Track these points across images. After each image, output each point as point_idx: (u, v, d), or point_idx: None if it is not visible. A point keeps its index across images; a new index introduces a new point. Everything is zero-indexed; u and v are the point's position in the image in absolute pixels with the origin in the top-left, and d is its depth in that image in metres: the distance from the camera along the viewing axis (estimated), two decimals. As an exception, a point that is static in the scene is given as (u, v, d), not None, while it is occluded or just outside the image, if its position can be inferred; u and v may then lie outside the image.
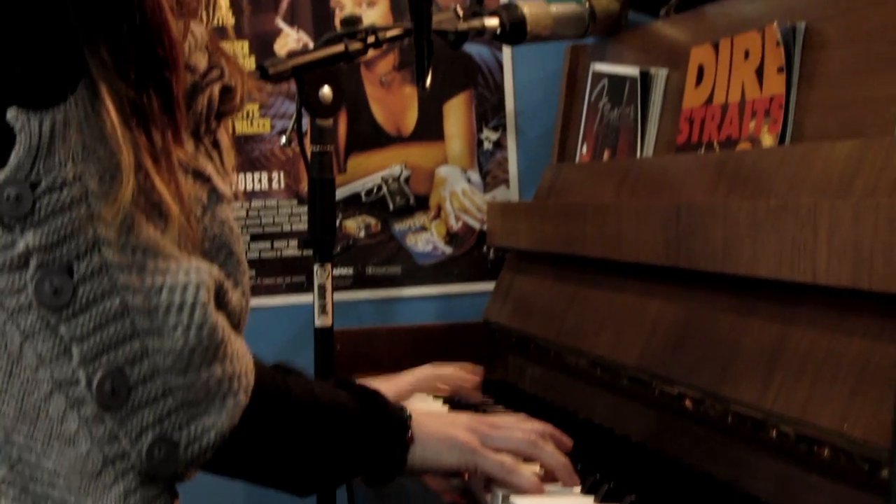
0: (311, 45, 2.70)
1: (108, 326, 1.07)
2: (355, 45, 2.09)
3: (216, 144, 1.26)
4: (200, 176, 1.20)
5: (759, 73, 1.77)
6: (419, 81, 1.28)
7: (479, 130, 2.81)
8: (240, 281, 1.23)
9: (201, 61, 1.21)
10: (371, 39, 2.11)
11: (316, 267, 2.17)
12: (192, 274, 1.09)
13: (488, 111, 2.82)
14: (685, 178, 1.86)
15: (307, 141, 2.15)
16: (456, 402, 2.13)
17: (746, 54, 1.82)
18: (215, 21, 1.31)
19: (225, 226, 1.22)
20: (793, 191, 1.51)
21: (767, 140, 1.72)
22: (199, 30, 1.22)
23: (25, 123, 1.02)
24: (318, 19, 2.73)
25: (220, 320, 1.14)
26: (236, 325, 1.21)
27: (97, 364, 1.07)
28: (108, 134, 1.04)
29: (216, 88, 1.23)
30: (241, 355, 1.18)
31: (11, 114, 1.02)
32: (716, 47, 1.92)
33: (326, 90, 2.08)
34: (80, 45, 1.02)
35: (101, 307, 1.06)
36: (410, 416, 1.40)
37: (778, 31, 1.72)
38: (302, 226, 2.71)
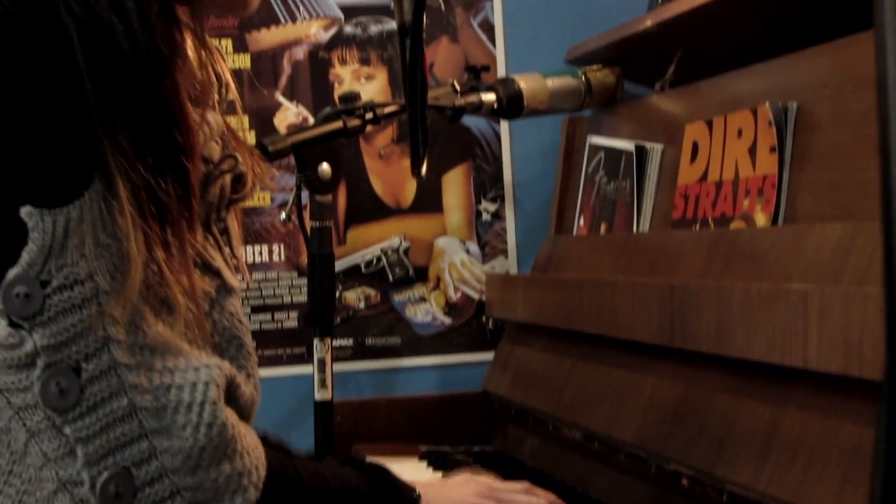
0: (310, 118, 2.73)
1: (115, 427, 1.05)
2: (353, 122, 2.12)
3: (225, 231, 1.26)
4: (209, 269, 1.19)
5: (752, 151, 1.80)
6: (414, 169, 1.30)
7: (478, 202, 2.83)
8: (251, 373, 1.22)
9: (215, 150, 1.20)
10: (369, 116, 2.14)
11: (316, 341, 2.19)
12: (201, 372, 1.08)
13: (486, 182, 2.84)
14: (681, 255, 1.88)
15: (307, 216, 2.17)
16: (435, 459, 2.14)
17: (739, 133, 1.84)
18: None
19: (234, 318, 1.22)
20: (785, 272, 1.53)
21: (761, 219, 1.74)
22: (214, 118, 1.22)
23: (39, 221, 1.00)
24: (318, 93, 2.76)
25: (230, 416, 1.12)
26: (247, 417, 1.20)
27: (102, 465, 1.05)
28: (121, 227, 1.01)
29: (228, 178, 1.23)
30: (252, 449, 1.16)
31: (25, 211, 1.00)
32: (709, 125, 1.95)
33: (325, 167, 2.10)
34: (98, 136, 1.01)
35: (108, 408, 1.04)
36: (420, 495, 1.40)
37: (770, 112, 1.74)
38: (302, 297, 2.73)
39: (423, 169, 1.30)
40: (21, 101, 0.99)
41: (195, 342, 1.11)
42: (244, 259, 2.68)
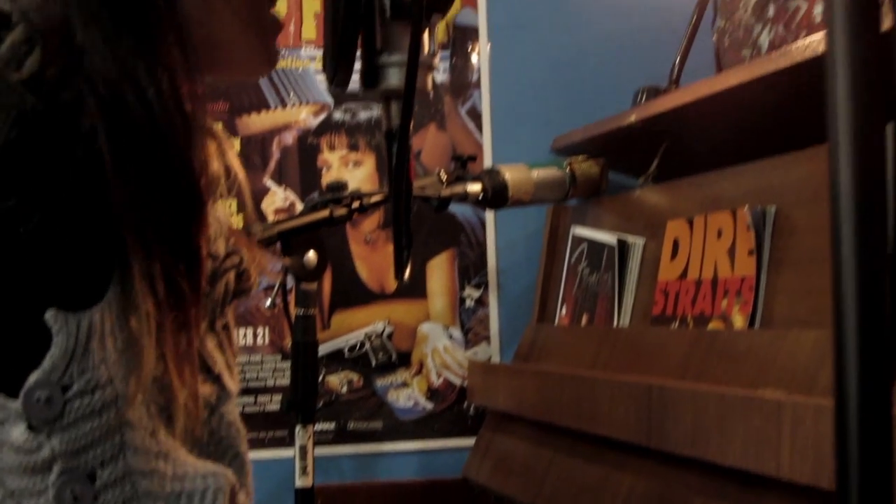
0: (298, 203, 2.76)
1: None
2: (340, 211, 2.14)
3: (226, 328, 1.26)
4: (210, 373, 1.19)
5: (732, 252, 1.82)
6: (397, 273, 1.31)
7: (462, 288, 2.85)
8: (244, 482, 1.22)
9: (221, 247, 1.21)
10: (356, 205, 2.16)
11: (298, 428, 2.19)
12: (209, 479, 1.07)
13: (471, 269, 2.86)
14: (660, 352, 1.90)
15: (292, 302, 2.19)
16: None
17: (719, 233, 1.87)
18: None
19: (232, 427, 1.21)
20: (761, 376, 1.55)
21: (738, 320, 1.76)
22: (223, 214, 1.22)
23: (64, 325, 0.97)
24: (306, 178, 2.79)
25: None
26: None
27: None
28: (138, 329, 0.99)
29: (232, 275, 1.23)
30: None
31: (50, 315, 0.97)
32: (690, 223, 1.98)
33: (311, 255, 2.12)
34: (120, 235, 0.98)
35: None
36: None
37: (749, 215, 1.77)
38: (285, 380, 2.74)
39: (406, 274, 1.31)
40: (48, 203, 0.97)
41: (193, 451, 1.11)
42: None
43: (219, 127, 1.19)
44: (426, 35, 1.26)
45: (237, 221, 2.69)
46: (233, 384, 1.20)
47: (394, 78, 1.24)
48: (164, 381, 1.02)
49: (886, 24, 0.50)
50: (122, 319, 0.99)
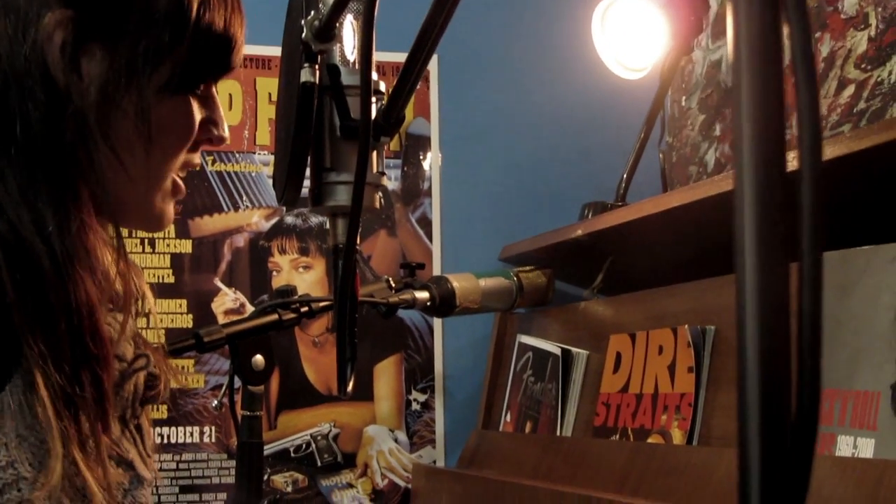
0: (247, 305, 2.78)
1: None
2: (289, 315, 2.16)
3: (139, 428, 1.29)
4: (123, 461, 1.21)
5: (672, 369, 1.86)
6: (340, 388, 1.34)
7: (408, 392, 2.87)
8: None
9: (129, 350, 1.24)
10: (304, 310, 2.18)
11: (240, 529, 2.19)
12: None
13: (417, 373, 2.88)
14: (601, 463, 1.93)
15: (238, 404, 2.20)
16: None
17: (660, 349, 1.91)
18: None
19: None
20: (697, 492, 1.58)
21: (677, 435, 1.80)
22: (128, 322, 1.26)
23: None
24: (256, 281, 2.82)
25: None
26: None
27: None
28: (41, 423, 1.03)
29: (142, 376, 1.26)
30: None
31: None
32: (633, 338, 2.02)
33: (259, 358, 2.13)
34: (19, 339, 1.04)
35: None
36: None
37: (689, 333, 1.81)
38: (231, 479, 2.73)
39: (349, 387, 1.34)
40: None
41: None
42: (173, 438, 2.69)
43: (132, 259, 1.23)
44: (374, 155, 1.30)
45: (187, 322, 2.71)
46: (147, 472, 1.23)
47: (341, 196, 1.28)
48: (77, 476, 1.05)
49: (793, 164, 0.54)
50: (24, 407, 1.03)
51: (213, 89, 1.26)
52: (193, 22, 1.16)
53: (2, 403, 1.04)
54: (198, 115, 1.22)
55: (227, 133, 1.29)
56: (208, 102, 1.25)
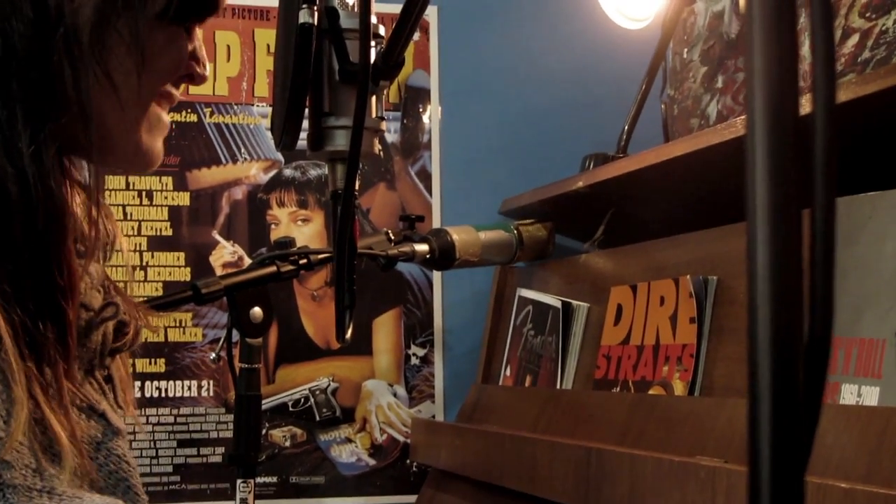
0: (245, 258, 2.76)
1: None
2: (287, 267, 2.15)
3: (109, 379, 1.26)
4: (94, 411, 1.19)
5: (673, 320, 1.85)
6: (339, 335, 1.32)
7: (407, 346, 2.86)
8: None
9: (96, 299, 1.21)
10: (303, 262, 2.17)
11: (239, 482, 2.18)
12: None
13: (417, 327, 2.87)
14: (601, 416, 1.92)
15: (236, 357, 2.19)
16: None
17: (662, 300, 1.89)
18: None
19: (122, 461, 1.21)
20: (699, 443, 1.57)
21: (679, 386, 1.78)
22: (94, 268, 1.22)
23: None
24: (254, 234, 2.80)
25: None
26: None
27: None
28: (3, 367, 0.99)
29: (110, 325, 1.23)
30: None
31: None
32: (634, 289, 2.00)
33: (257, 310, 2.12)
34: None
35: None
36: None
37: (691, 283, 1.80)
38: (229, 433, 2.72)
39: (348, 334, 1.32)
40: None
41: (81, 486, 1.11)
42: (170, 392, 2.68)
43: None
44: (374, 100, 1.28)
45: (185, 275, 2.70)
46: (120, 422, 1.21)
47: (340, 140, 1.26)
48: (43, 423, 1.03)
49: (806, 108, 0.52)
50: None
51: (198, 28, 1.24)
52: None
53: None
54: (187, 48, 1.20)
55: (207, 72, 1.27)
56: (192, 38, 1.23)
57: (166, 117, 1.23)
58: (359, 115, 1.14)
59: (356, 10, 1.27)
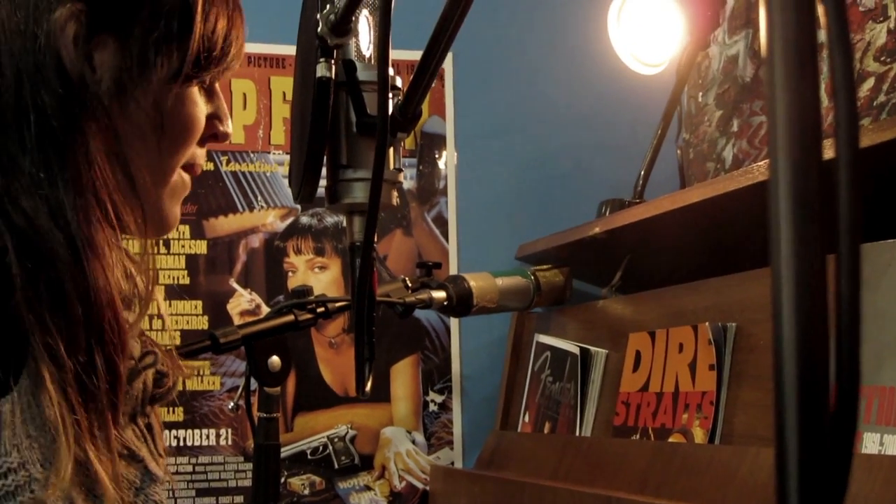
0: (263, 306, 2.76)
1: None
2: (305, 316, 2.15)
3: (149, 428, 1.28)
4: (134, 457, 1.21)
5: (693, 367, 1.84)
6: (359, 387, 1.32)
7: (425, 393, 2.86)
8: None
9: (136, 348, 1.23)
10: (321, 310, 2.16)
11: (258, 532, 2.18)
12: None
13: (434, 374, 2.87)
14: (621, 464, 1.91)
15: (255, 406, 2.18)
16: None
17: (681, 347, 1.89)
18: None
19: None
20: (720, 493, 1.56)
21: (699, 434, 1.77)
22: (131, 319, 1.25)
23: None
24: (271, 281, 2.80)
25: None
26: None
27: None
28: (50, 419, 1.02)
29: (150, 374, 1.25)
30: None
31: None
32: (652, 336, 1.99)
33: (275, 360, 2.12)
34: (26, 338, 1.03)
35: None
36: None
37: (710, 331, 1.79)
38: (247, 482, 2.72)
39: (368, 387, 1.32)
40: None
41: None
42: (189, 441, 2.68)
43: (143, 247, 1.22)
44: (391, 151, 1.28)
45: (203, 323, 2.70)
46: (158, 470, 1.22)
47: (358, 193, 1.26)
48: (87, 466, 1.04)
49: (829, 152, 0.52)
50: (32, 408, 1.02)
51: (217, 85, 1.26)
52: (199, 13, 1.16)
53: (12, 405, 1.03)
54: (205, 108, 1.22)
55: (231, 129, 1.29)
56: (213, 98, 1.25)
57: (188, 179, 1.26)
58: (378, 168, 1.14)
59: (373, 62, 1.27)
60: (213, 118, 1.25)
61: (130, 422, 1.22)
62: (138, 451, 1.20)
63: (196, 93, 1.21)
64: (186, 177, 1.25)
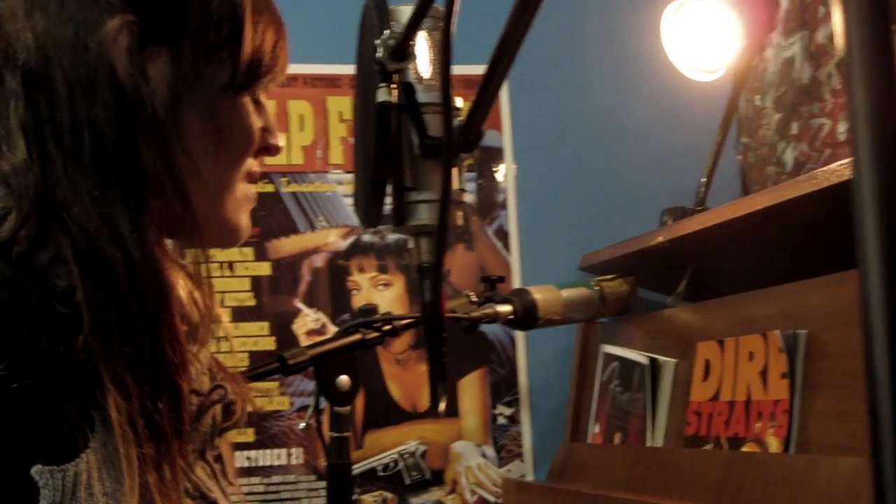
0: (328, 325, 2.77)
1: None
2: (372, 335, 2.15)
3: (219, 459, 1.28)
4: (206, 499, 1.20)
5: (764, 375, 1.83)
6: (433, 407, 1.32)
7: (494, 406, 2.86)
8: None
9: (205, 382, 1.23)
10: (387, 328, 2.17)
11: (332, 550, 2.18)
12: None
13: (502, 387, 2.87)
14: (695, 474, 1.89)
15: (325, 424, 2.19)
16: None
17: (751, 356, 1.88)
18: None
19: None
20: (797, 501, 1.54)
21: (773, 443, 1.76)
22: (203, 355, 1.24)
23: (49, 479, 0.98)
24: (336, 300, 2.81)
25: None
26: None
27: None
28: (123, 473, 1.00)
29: (219, 408, 1.25)
30: None
31: (36, 470, 0.98)
32: (721, 345, 1.98)
33: (344, 379, 2.12)
34: (100, 380, 1.00)
35: None
36: None
37: (780, 339, 1.78)
38: (320, 500, 2.74)
39: (442, 406, 1.32)
40: (32, 367, 0.99)
41: None
42: (260, 461, 2.69)
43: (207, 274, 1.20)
44: (455, 172, 1.28)
45: (269, 344, 2.72)
46: None
47: (423, 215, 1.26)
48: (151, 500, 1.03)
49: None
50: (108, 462, 1.01)
51: (263, 97, 1.25)
52: (248, 21, 1.15)
53: (88, 464, 1.00)
54: (256, 120, 1.22)
55: (282, 142, 1.28)
56: (261, 111, 1.24)
57: (252, 191, 1.25)
58: (445, 189, 1.14)
59: (432, 83, 1.28)
60: (265, 131, 1.25)
61: (199, 458, 1.22)
62: (210, 493, 1.20)
63: (249, 104, 1.21)
64: (249, 186, 1.25)
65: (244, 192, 1.24)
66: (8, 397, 0.95)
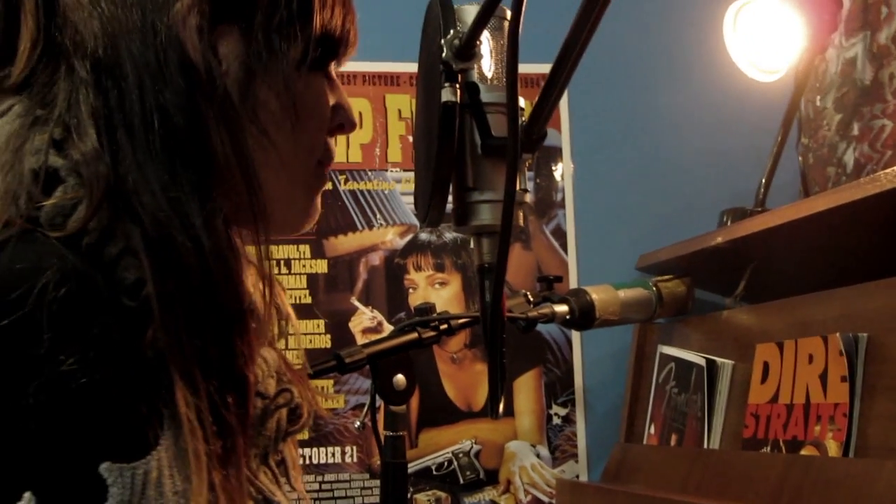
0: (385, 323, 2.78)
1: None
2: (428, 334, 2.15)
3: (282, 463, 1.27)
4: (269, 502, 1.19)
5: (823, 378, 1.81)
6: (492, 411, 1.32)
7: (549, 406, 2.85)
8: None
9: (271, 386, 1.22)
10: (444, 327, 2.17)
11: (387, 549, 2.19)
12: None
13: (557, 387, 2.86)
14: (752, 477, 1.88)
15: (380, 423, 2.20)
16: None
17: (810, 358, 1.86)
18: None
19: None
20: (858, 506, 1.53)
21: (832, 446, 1.75)
22: (270, 356, 1.23)
23: (119, 477, 0.96)
24: (392, 298, 2.82)
25: None
26: None
27: None
28: (192, 470, 0.99)
29: (284, 412, 1.24)
30: None
31: (105, 467, 0.96)
32: (780, 347, 1.97)
33: (400, 378, 2.12)
34: (167, 376, 0.99)
35: None
36: None
37: (840, 342, 1.76)
38: (374, 498, 2.74)
39: (500, 408, 1.32)
40: (102, 362, 0.97)
41: None
42: (314, 459, 2.71)
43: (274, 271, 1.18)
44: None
45: (325, 342, 2.72)
46: None
47: (485, 215, 1.26)
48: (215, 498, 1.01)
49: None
50: (178, 460, 1.00)
51: (335, 74, 1.24)
52: None
53: (159, 462, 0.99)
54: (330, 97, 1.21)
55: (356, 119, 1.27)
56: (334, 87, 1.23)
57: (324, 173, 1.24)
58: (510, 190, 1.13)
59: (495, 81, 1.28)
60: (338, 108, 1.24)
61: (262, 463, 1.22)
62: (273, 497, 1.18)
63: (321, 78, 1.18)
64: (323, 170, 1.24)
65: (319, 174, 1.23)
66: (77, 392, 0.94)
